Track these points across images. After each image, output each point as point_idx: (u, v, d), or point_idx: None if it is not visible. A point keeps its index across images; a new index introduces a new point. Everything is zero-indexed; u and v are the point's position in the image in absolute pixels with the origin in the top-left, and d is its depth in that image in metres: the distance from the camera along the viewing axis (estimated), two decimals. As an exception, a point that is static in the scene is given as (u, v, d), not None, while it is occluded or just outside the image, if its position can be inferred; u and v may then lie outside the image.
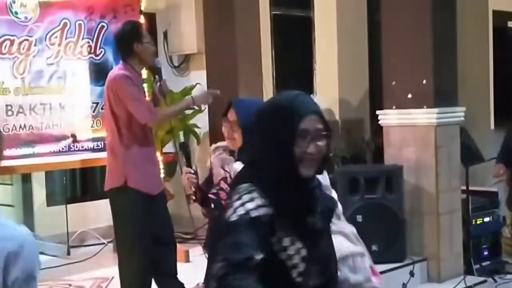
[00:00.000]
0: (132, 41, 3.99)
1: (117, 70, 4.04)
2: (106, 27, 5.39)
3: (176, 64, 7.07)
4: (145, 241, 3.94)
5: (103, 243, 5.93)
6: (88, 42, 5.36)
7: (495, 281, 5.26)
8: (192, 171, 3.00)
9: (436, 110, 5.11)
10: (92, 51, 5.39)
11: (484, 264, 5.46)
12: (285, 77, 7.07)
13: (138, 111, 3.89)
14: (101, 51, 5.40)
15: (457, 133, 5.33)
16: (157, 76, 4.24)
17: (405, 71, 5.26)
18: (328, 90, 6.99)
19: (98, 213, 6.10)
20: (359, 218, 4.98)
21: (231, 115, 2.81)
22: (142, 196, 3.90)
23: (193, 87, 6.51)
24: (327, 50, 7.03)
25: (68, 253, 5.74)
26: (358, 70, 7.12)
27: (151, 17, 6.37)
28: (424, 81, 5.14)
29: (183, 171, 3.04)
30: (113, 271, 4.27)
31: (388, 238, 4.98)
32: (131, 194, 3.89)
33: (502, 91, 8.01)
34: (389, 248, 4.97)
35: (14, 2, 4.99)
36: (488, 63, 8.02)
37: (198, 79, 6.54)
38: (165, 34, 6.95)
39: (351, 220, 5.02)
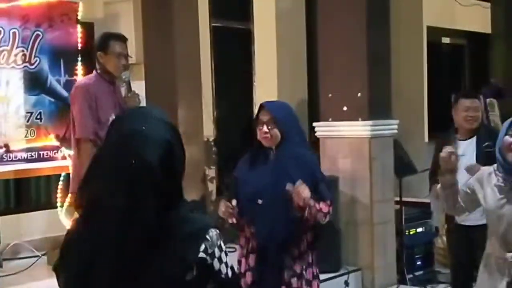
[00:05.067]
0: (97, 50, 4.06)
1: (83, 78, 4.15)
2: (41, 35, 5.31)
3: (114, 74, 6.99)
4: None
5: (37, 256, 5.80)
6: (23, 51, 5.26)
7: (428, 290, 5.39)
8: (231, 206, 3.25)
9: (370, 122, 5.21)
10: (27, 59, 5.29)
11: (417, 273, 5.58)
12: (225, 89, 7.09)
13: (77, 125, 4.06)
14: (36, 60, 5.31)
15: (391, 145, 5.45)
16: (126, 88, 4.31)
17: (341, 84, 5.35)
18: (267, 102, 7.03)
19: (32, 225, 5.97)
20: (295, 228, 5.02)
21: (264, 116, 3.37)
22: None
23: (131, 97, 6.45)
24: (266, 63, 7.09)
25: (1, 266, 5.59)
26: (297, 83, 7.20)
27: (89, 27, 6.28)
28: (359, 94, 5.25)
29: (222, 203, 3.27)
30: (47, 284, 4.18)
31: (324, 248, 5.02)
32: None
33: (436, 105, 8.24)
34: (325, 258, 4.97)
35: None
36: (422, 77, 8.24)
37: (136, 89, 6.47)
38: (104, 44, 6.87)
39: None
